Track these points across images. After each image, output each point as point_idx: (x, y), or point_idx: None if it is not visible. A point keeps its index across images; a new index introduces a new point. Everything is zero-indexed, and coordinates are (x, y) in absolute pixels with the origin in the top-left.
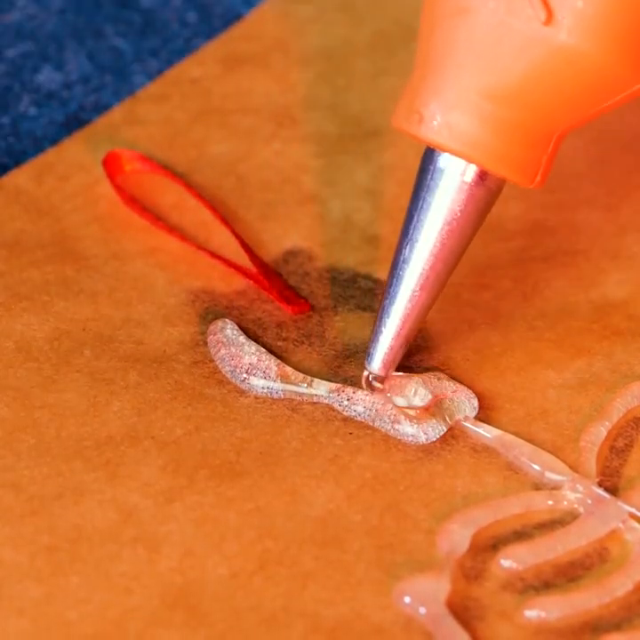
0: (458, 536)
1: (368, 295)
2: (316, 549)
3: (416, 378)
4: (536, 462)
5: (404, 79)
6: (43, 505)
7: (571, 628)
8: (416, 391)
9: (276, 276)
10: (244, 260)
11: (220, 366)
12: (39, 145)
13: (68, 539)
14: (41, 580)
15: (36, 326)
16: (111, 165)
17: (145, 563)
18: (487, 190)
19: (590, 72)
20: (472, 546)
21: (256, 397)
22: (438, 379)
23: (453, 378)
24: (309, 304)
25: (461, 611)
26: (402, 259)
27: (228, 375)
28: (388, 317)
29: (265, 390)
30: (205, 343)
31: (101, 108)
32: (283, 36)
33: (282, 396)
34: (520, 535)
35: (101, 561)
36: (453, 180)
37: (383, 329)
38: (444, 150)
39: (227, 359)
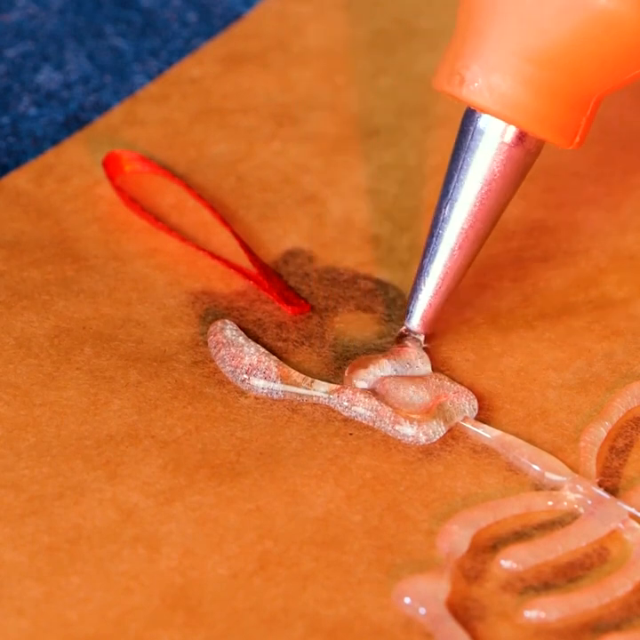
0: (458, 537)
1: (368, 296)
2: (316, 550)
3: (417, 379)
4: (536, 463)
5: (404, 78)
6: (43, 504)
7: (570, 629)
8: (417, 392)
9: (275, 277)
10: (243, 260)
11: (220, 366)
12: (39, 145)
13: (68, 538)
14: (41, 580)
15: (37, 324)
16: (111, 166)
17: (145, 562)
18: (526, 151)
19: (629, 36)
20: (472, 546)
21: (256, 398)
22: (439, 379)
23: (453, 378)
24: (309, 305)
25: (461, 611)
26: (442, 218)
27: (229, 375)
28: (427, 275)
29: (265, 391)
30: (205, 343)
31: (101, 108)
32: (282, 35)
33: (282, 396)
34: (520, 536)
35: (101, 561)
36: (493, 140)
37: (423, 287)
38: (485, 112)
39: (227, 359)
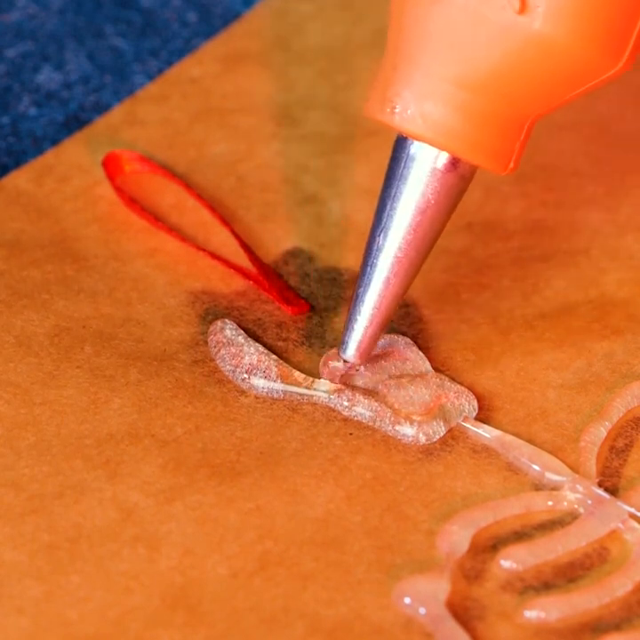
0: (458, 537)
1: None
2: (316, 550)
3: (417, 379)
4: (536, 463)
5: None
6: (43, 503)
7: (570, 629)
8: (417, 392)
9: (275, 277)
10: (244, 260)
11: (220, 366)
12: (39, 145)
13: (68, 537)
14: (41, 579)
15: (37, 322)
16: (111, 166)
17: (145, 562)
18: (460, 177)
19: (564, 60)
20: (472, 546)
21: (256, 397)
22: (439, 379)
23: (453, 378)
24: (309, 305)
25: (461, 611)
26: (375, 247)
27: (229, 375)
28: (362, 305)
29: (265, 390)
30: (205, 343)
31: (101, 108)
32: (282, 34)
33: (282, 396)
34: (520, 536)
35: (101, 560)
36: (426, 167)
37: (358, 317)
38: (419, 139)
39: (227, 359)
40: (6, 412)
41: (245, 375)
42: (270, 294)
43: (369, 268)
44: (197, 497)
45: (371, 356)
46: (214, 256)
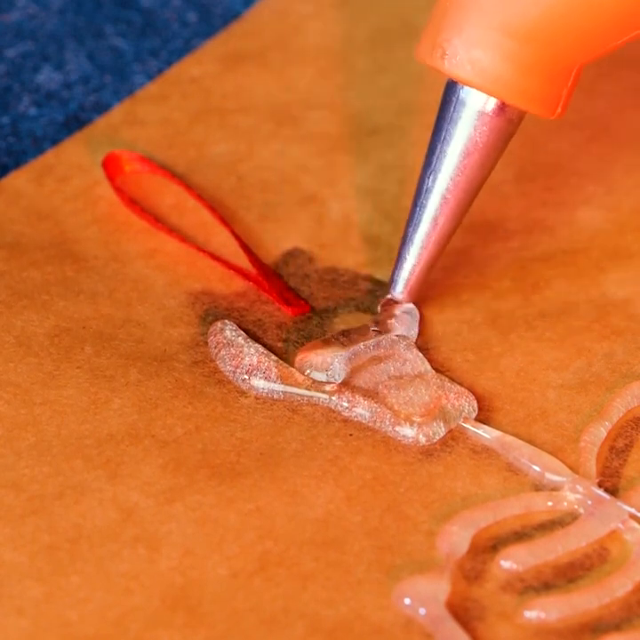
0: (458, 537)
1: (368, 296)
2: (316, 550)
3: (417, 380)
4: (536, 463)
5: (404, 77)
6: (43, 504)
7: (570, 629)
8: (416, 393)
9: (275, 278)
10: (243, 261)
11: (220, 367)
12: (39, 145)
13: (68, 538)
14: (41, 580)
15: (37, 323)
16: (111, 166)
17: (145, 562)
18: (508, 121)
19: (611, 6)
20: (472, 547)
21: (256, 398)
22: (439, 380)
23: (453, 379)
24: (309, 305)
25: (461, 611)
26: (425, 188)
27: (229, 376)
28: (411, 244)
29: (265, 391)
30: (206, 343)
31: (101, 108)
32: (282, 34)
33: (282, 397)
34: (520, 536)
35: (102, 560)
36: (475, 111)
37: (407, 256)
38: (467, 85)
39: (227, 360)
40: (6, 412)
41: (246, 376)
42: (270, 295)
43: (418, 209)
44: (197, 497)
45: (418, 295)
46: (214, 257)
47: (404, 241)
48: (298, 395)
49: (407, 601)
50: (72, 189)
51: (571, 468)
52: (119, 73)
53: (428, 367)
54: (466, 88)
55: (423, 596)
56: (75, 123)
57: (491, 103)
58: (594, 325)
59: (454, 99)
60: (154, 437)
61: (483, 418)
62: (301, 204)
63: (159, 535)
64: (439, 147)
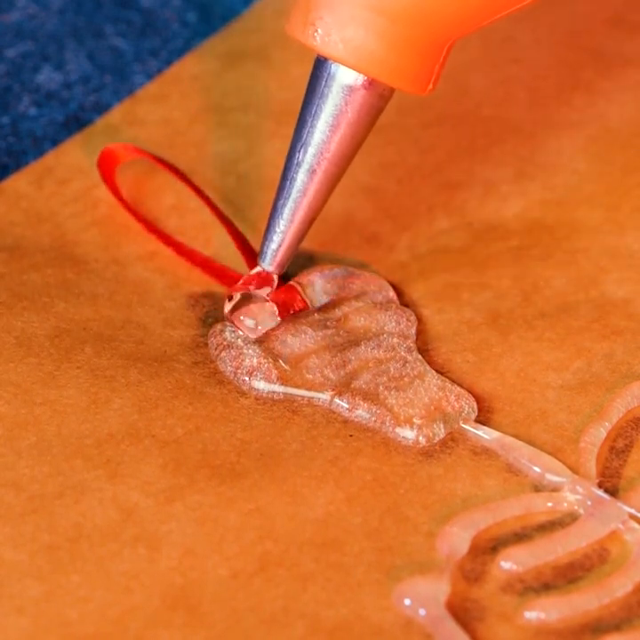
0: (458, 538)
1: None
2: (316, 551)
3: (417, 381)
4: (536, 464)
5: None
6: (43, 503)
7: (570, 630)
8: (417, 394)
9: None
10: (241, 261)
11: (221, 368)
12: (39, 145)
13: (68, 537)
14: (41, 579)
15: (37, 324)
16: (107, 163)
17: (145, 562)
18: (379, 96)
19: None
20: (472, 548)
21: (256, 399)
22: (439, 381)
23: (453, 380)
24: (307, 303)
25: (461, 612)
26: (295, 162)
27: (230, 377)
28: (281, 218)
29: (266, 392)
30: (206, 345)
31: (101, 108)
32: (282, 32)
33: (282, 397)
34: (520, 537)
35: (102, 560)
36: (346, 85)
37: (277, 228)
38: (340, 63)
39: (228, 361)
40: (7, 412)
41: (246, 377)
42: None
43: (288, 183)
44: (198, 497)
45: (285, 267)
46: (206, 268)
47: (273, 213)
48: (298, 396)
49: (407, 602)
50: (72, 192)
51: (571, 468)
52: (119, 73)
53: (428, 368)
54: (336, 64)
55: (423, 597)
56: (75, 123)
57: (361, 78)
58: (594, 325)
59: (325, 74)
60: (154, 437)
61: (482, 419)
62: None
63: (159, 535)
64: (309, 121)
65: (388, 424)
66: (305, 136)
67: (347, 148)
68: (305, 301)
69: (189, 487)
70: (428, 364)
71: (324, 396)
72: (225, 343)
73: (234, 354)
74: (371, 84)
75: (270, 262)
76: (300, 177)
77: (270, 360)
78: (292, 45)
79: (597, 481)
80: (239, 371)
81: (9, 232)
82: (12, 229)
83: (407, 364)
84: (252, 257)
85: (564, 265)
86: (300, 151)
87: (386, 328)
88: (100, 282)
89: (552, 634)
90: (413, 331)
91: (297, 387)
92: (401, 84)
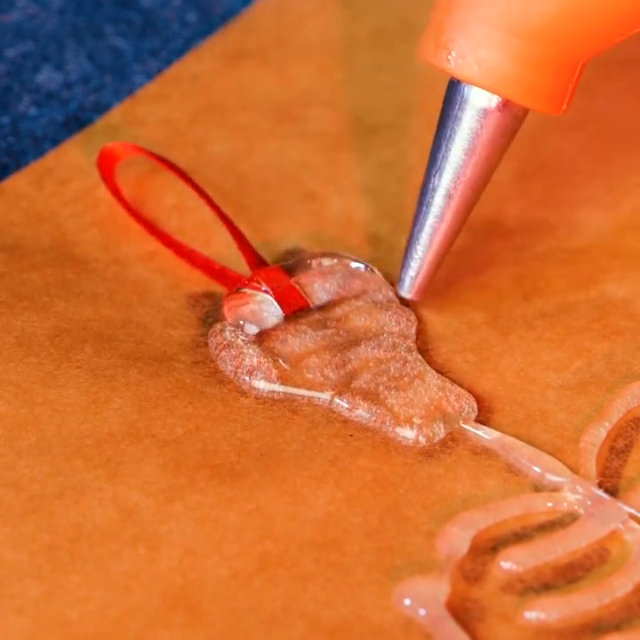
0: (458, 538)
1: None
2: (316, 551)
3: (417, 381)
4: (536, 464)
5: (404, 75)
6: (43, 503)
7: (570, 630)
8: (417, 394)
9: (275, 272)
10: (242, 261)
11: (221, 368)
12: (39, 145)
13: (68, 537)
14: (41, 579)
15: (37, 323)
16: (106, 162)
17: (145, 562)
18: (513, 117)
19: (614, 4)
20: (472, 548)
21: (256, 398)
22: (439, 381)
23: (453, 380)
24: (306, 301)
25: (461, 612)
26: (431, 187)
27: (230, 376)
28: (418, 243)
29: (266, 392)
30: (206, 344)
31: (101, 108)
32: (282, 32)
33: (282, 397)
34: (520, 537)
35: (102, 560)
36: (480, 108)
37: (414, 255)
38: (474, 85)
39: (228, 361)
40: (7, 412)
41: (246, 377)
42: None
43: (424, 208)
44: (198, 497)
45: (424, 293)
46: (205, 269)
47: (411, 240)
48: (298, 395)
49: (407, 602)
50: (72, 192)
51: (571, 468)
52: (119, 73)
53: (428, 368)
54: (470, 86)
55: (423, 597)
56: (75, 123)
57: (495, 99)
58: (594, 325)
59: (458, 97)
60: (154, 437)
61: (483, 419)
62: (302, 203)
63: (159, 535)
64: (444, 145)
65: (388, 424)
66: (440, 160)
67: (482, 171)
68: (305, 300)
69: (189, 487)
70: (428, 363)
71: (324, 396)
72: (225, 343)
73: (234, 353)
74: (505, 105)
75: (409, 289)
76: (437, 202)
77: (270, 359)
78: (291, 45)
79: (597, 481)
80: (239, 370)
81: (9, 232)
82: (12, 229)
83: (407, 364)
84: (253, 257)
85: (564, 265)
86: (435, 176)
87: (386, 328)
88: (100, 282)
89: (552, 634)
90: (413, 330)
91: (297, 386)
92: (535, 104)
